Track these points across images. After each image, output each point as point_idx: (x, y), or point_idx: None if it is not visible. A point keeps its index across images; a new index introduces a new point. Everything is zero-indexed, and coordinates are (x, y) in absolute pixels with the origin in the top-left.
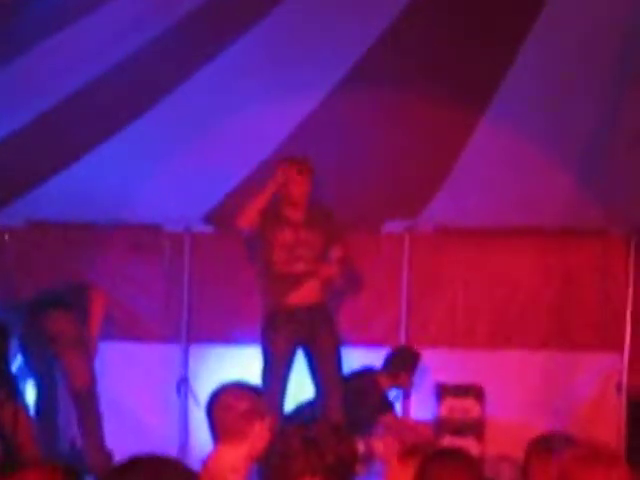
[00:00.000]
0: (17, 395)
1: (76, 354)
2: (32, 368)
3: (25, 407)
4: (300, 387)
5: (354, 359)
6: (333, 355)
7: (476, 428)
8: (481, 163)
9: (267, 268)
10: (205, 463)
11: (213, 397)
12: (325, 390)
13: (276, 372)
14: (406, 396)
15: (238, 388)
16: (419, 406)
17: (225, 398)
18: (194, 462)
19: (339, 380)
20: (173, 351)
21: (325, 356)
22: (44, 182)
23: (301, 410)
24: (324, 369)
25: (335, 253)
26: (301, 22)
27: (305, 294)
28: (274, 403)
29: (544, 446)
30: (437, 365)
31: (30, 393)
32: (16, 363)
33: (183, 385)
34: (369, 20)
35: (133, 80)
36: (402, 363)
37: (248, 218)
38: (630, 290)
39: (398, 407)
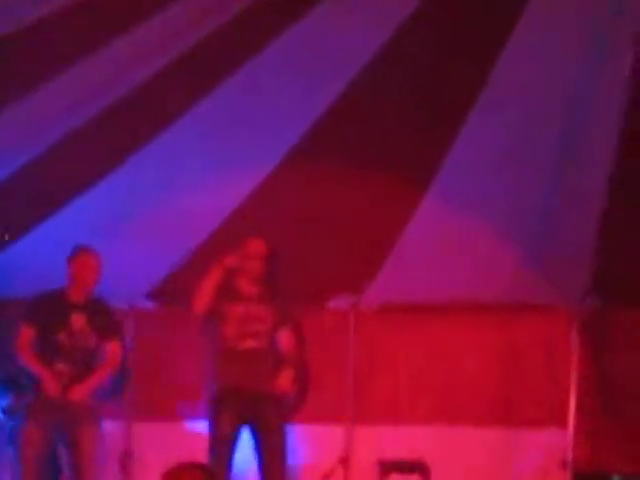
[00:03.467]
0: None
1: None
2: None
3: None
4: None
5: (298, 436)
6: (278, 434)
7: None
8: (425, 239)
9: (218, 343)
10: None
11: (169, 477)
12: (267, 468)
13: (222, 453)
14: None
15: (194, 469)
16: None
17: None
18: None
19: (283, 459)
20: (116, 427)
21: (270, 434)
22: None
23: None
24: (268, 447)
25: (284, 338)
26: (249, 92)
27: (253, 373)
28: None
29: None
30: (381, 442)
31: None
32: None
33: (126, 461)
34: (316, 91)
35: (79, 155)
36: None
37: (203, 302)
38: (574, 365)
39: None
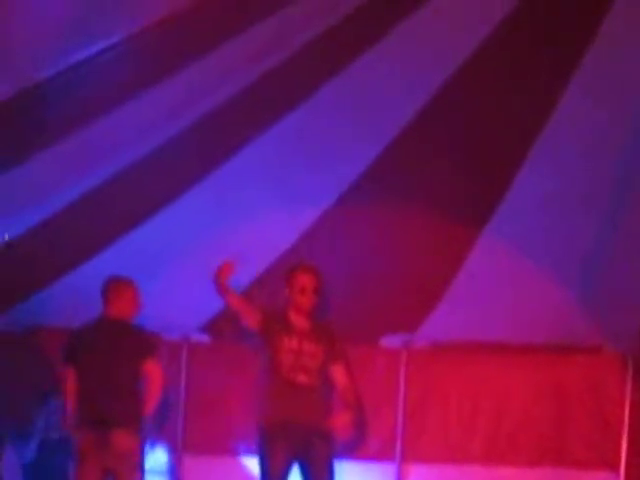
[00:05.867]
0: None
1: None
2: None
3: None
4: None
5: (349, 473)
6: (328, 471)
7: None
8: (479, 279)
9: (272, 373)
10: None
11: None
12: None
13: None
14: None
15: None
16: None
17: None
18: None
19: None
20: (168, 460)
21: (319, 471)
22: (45, 288)
23: None
24: None
25: (338, 375)
26: (306, 135)
27: (305, 408)
28: None
29: None
30: None
31: None
32: None
33: None
34: (371, 135)
35: (136, 188)
36: None
37: (250, 315)
38: (626, 409)
39: None
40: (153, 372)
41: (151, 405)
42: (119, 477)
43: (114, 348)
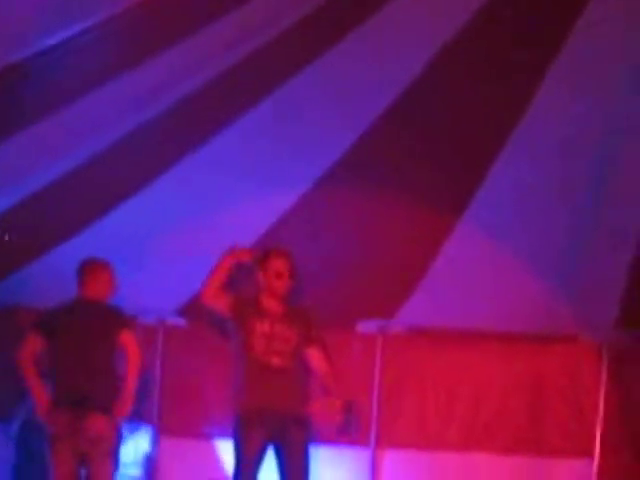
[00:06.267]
0: None
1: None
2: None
3: None
4: None
5: (324, 458)
6: (303, 455)
7: None
8: (456, 267)
9: (245, 358)
10: None
11: None
12: None
13: (248, 471)
14: None
15: None
16: None
17: None
18: None
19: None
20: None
21: (294, 455)
22: (21, 269)
23: None
24: (292, 468)
25: (315, 359)
26: (283, 119)
27: (280, 392)
28: None
29: None
30: (407, 466)
31: None
32: None
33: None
34: (349, 122)
35: (113, 171)
36: None
37: (210, 293)
38: (601, 396)
39: None
40: (130, 344)
41: (132, 381)
42: (91, 462)
43: (90, 329)
